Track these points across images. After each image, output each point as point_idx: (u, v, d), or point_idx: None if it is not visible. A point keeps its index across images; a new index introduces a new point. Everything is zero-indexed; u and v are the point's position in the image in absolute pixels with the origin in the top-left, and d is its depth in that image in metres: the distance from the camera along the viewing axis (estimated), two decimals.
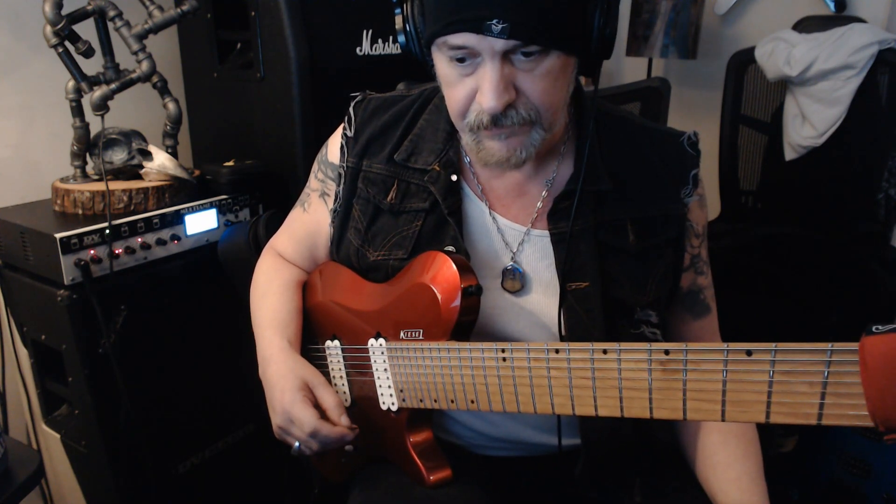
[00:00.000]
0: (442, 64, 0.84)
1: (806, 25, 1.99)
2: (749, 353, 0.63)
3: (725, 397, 0.65)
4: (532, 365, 0.77)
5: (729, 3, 2.43)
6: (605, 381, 0.73)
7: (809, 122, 1.93)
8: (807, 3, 2.22)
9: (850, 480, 1.60)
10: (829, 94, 1.88)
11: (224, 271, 1.39)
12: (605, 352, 0.72)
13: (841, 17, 2.09)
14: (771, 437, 1.89)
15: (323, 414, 0.91)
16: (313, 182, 1.10)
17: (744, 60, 2.08)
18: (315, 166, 1.10)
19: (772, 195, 2.12)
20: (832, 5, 2.16)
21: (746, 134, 2.14)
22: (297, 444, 0.92)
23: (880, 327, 0.56)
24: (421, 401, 0.90)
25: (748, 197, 2.16)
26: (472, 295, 0.85)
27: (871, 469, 1.57)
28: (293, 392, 0.90)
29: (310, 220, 1.09)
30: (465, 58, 0.80)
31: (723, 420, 0.66)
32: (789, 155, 2.01)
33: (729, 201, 2.17)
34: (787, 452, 1.84)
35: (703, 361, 0.66)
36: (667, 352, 0.68)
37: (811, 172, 2.00)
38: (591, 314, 0.89)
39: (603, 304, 0.90)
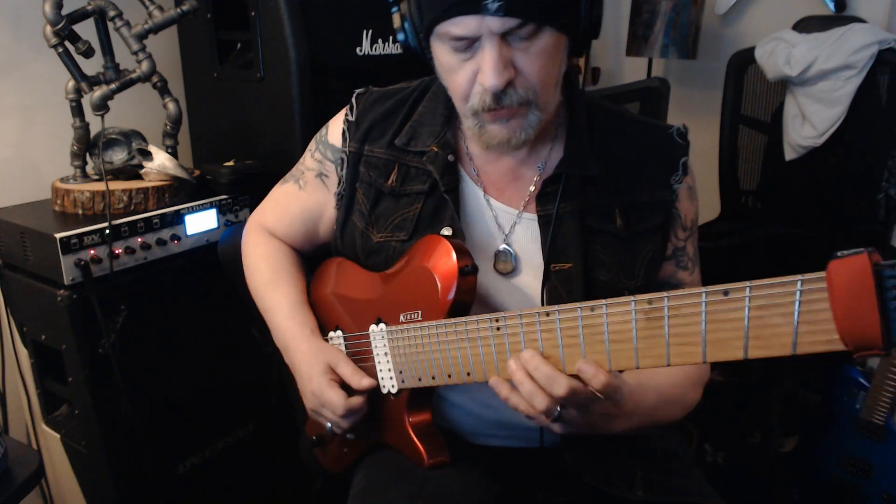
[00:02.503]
0: (442, 53, 0.88)
1: (806, 25, 1.99)
2: (726, 293, 0.66)
3: (706, 338, 0.68)
4: (524, 330, 0.80)
5: (729, 3, 2.43)
6: (592, 337, 0.75)
7: (809, 122, 1.93)
8: (807, 3, 2.22)
9: (850, 480, 1.60)
10: (829, 94, 1.88)
11: (224, 271, 1.39)
12: (592, 309, 0.75)
13: (841, 17, 2.09)
14: (771, 437, 1.89)
15: (347, 388, 0.96)
16: (308, 160, 1.11)
17: (744, 60, 2.08)
18: (312, 145, 1.12)
19: (772, 195, 2.12)
20: (832, 5, 2.17)
21: (746, 134, 2.14)
22: (329, 424, 0.98)
23: (844, 252, 0.59)
24: (419, 379, 0.92)
25: (748, 197, 2.16)
26: (469, 274, 0.87)
27: (871, 469, 1.57)
28: (319, 377, 0.96)
29: (307, 198, 1.11)
30: (463, 41, 0.83)
31: (704, 362, 0.69)
32: (789, 155, 2.01)
33: (729, 201, 2.17)
34: (787, 452, 1.84)
35: (683, 306, 0.69)
36: (650, 301, 0.71)
37: (811, 172, 2.00)
38: (573, 295, 0.92)
39: (585, 285, 0.93)
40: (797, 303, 0.62)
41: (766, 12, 2.40)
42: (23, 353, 1.47)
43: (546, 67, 0.86)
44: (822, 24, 1.95)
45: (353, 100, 1.07)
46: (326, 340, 1.04)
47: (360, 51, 1.61)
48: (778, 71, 1.93)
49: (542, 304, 0.93)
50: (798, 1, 2.24)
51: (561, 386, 0.75)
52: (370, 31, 1.62)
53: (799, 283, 0.61)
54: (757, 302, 0.64)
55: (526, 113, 0.87)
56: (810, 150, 1.96)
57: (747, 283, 0.64)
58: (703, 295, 0.67)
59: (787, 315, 0.62)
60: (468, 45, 0.84)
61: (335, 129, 1.08)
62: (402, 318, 0.93)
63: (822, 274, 0.60)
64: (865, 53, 1.82)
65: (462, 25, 0.81)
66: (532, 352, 0.78)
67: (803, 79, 1.90)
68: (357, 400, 0.94)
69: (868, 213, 1.92)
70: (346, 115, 1.07)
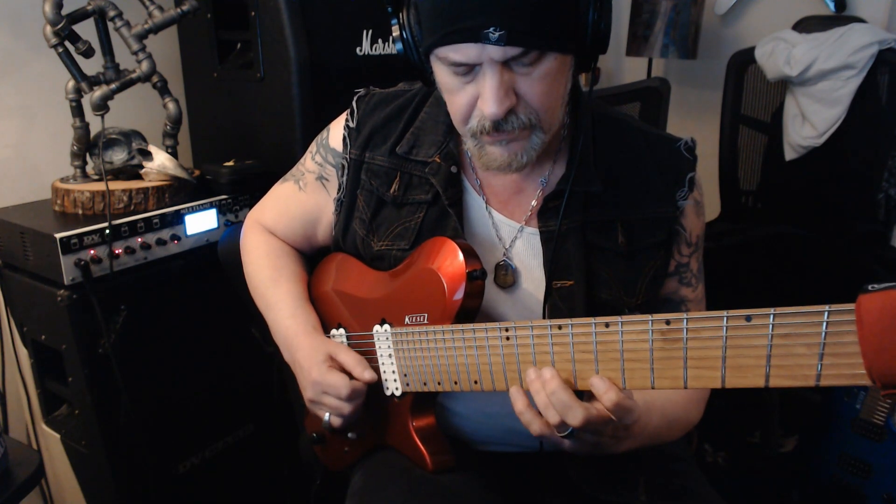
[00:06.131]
0: (442, 73, 0.85)
1: (806, 25, 1.99)
2: (748, 318, 0.64)
3: (725, 363, 0.66)
4: (535, 342, 0.79)
5: (729, 3, 2.43)
6: (606, 354, 0.74)
7: (809, 122, 1.93)
8: (807, 3, 2.22)
9: (850, 480, 1.60)
10: (829, 94, 1.88)
11: (224, 271, 1.40)
12: (606, 325, 0.73)
13: (841, 17, 2.09)
14: (771, 437, 1.89)
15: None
16: (309, 163, 1.10)
17: (744, 60, 2.08)
18: (313, 147, 1.10)
19: (772, 195, 2.12)
20: (832, 5, 2.17)
21: (746, 134, 2.14)
22: (326, 416, 0.95)
23: (876, 285, 0.57)
24: (424, 384, 0.91)
25: (748, 197, 2.16)
26: (477, 279, 0.86)
27: (871, 469, 1.57)
28: (319, 365, 0.94)
29: (307, 200, 1.10)
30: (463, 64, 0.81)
31: (723, 386, 0.67)
32: (789, 155, 2.01)
33: (729, 201, 2.17)
34: (787, 452, 1.84)
35: (703, 329, 0.67)
36: (668, 322, 0.69)
37: (811, 172, 2.00)
38: (574, 313, 0.90)
39: (587, 303, 0.91)
40: (823, 334, 0.60)
41: (766, 12, 2.40)
42: (23, 353, 1.47)
43: (550, 91, 0.83)
44: (822, 24, 1.95)
45: (354, 103, 1.05)
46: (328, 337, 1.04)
47: (360, 51, 1.61)
48: (778, 71, 1.93)
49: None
50: (798, 1, 2.24)
51: (577, 416, 0.74)
52: (370, 32, 1.62)
53: (826, 313, 0.60)
54: (781, 330, 0.62)
55: (528, 136, 0.85)
56: (810, 150, 1.96)
57: (771, 310, 0.63)
58: (725, 319, 0.65)
59: (813, 346, 0.61)
60: (468, 70, 0.81)
61: (336, 132, 1.06)
62: (407, 320, 0.92)
63: (851, 306, 0.58)
64: (865, 53, 1.82)
65: (462, 52, 0.79)
66: (553, 372, 0.76)
67: (803, 79, 1.90)
68: (360, 383, 0.93)
69: (868, 213, 1.92)
70: (347, 120, 1.05)
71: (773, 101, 2.09)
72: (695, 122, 2.55)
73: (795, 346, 0.62)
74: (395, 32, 0.89)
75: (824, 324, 0.60)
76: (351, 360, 0.94)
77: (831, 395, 1.65)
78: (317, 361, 0.95)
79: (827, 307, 0.60)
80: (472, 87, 0.82)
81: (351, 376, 0.93)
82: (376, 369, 0.96)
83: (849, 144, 1.92)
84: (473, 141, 0.87)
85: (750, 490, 1.88)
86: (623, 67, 2.75)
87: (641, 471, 0.97)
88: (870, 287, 0.57)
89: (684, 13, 2.28)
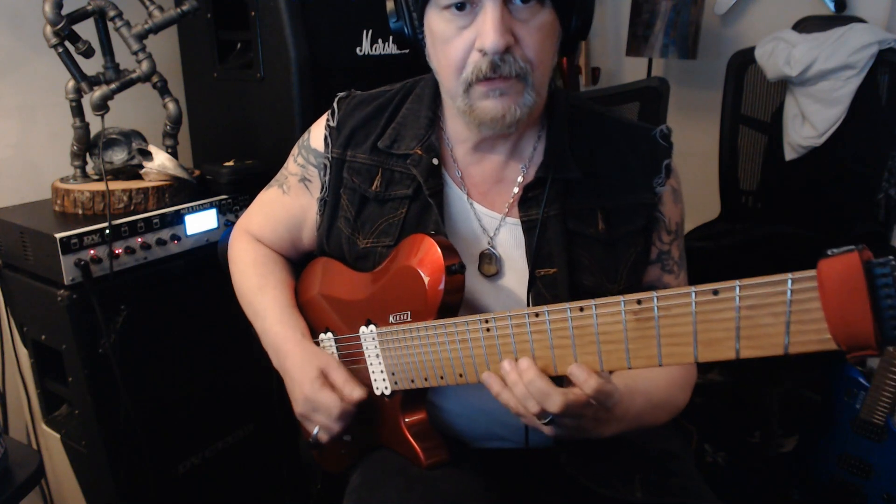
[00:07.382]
0: (438, 22, 0.87)
1: (806, 25, 1.99)
2: (715, 292, 0.65)
3: (697, 338, 0.67)
4: (514, 332, 0.80)
5: (729, 3, 2.43)
6: (583, 338, 0.75)
7: (809, 122, 1.93)
8: (807, 3, 2.22)
9: (850, 480, 1.60)
10: (829, 94, 1.88)
11: (224, 271, 1.40)
12: (581, 309, 0.74)
13: (841, 17, 2.09)
14: (771, 437, 1.89)
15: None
16: (292, 166, 1.11)
17: (744, 60, 2.08)
18: (295, 150, 1.11)
19: (772, 195, 2.12)
20: (832, 5, 2.17)
21: (746, 134, 2.14)
22: (315, 430, 0.97)
23: (835, 250, 0.58)
24: (412, 381, 0.92)
25: (748, 197, 2.16)
26: (456, 273, 0.87)
27: (871, 469, 1.57)
28: (312, 381, 0.95)
29: (291, 203, 1.11)
30: (464, 5, 0.83)
31: (696, 361, 0.68)
32: (789, 155, 2.01)
33: (729, 201, 2.17)
34: (786, 452, 1.84)
35: (673, 306, 0.68)
36: (639, 301, 0.70)
37: (811, 172, 2.00)
38: (558, 300, 0.91)
39: (570, 290, 0.92)
40: (788, 302, 0.61)
41: (766, 12, 2.40)
42: (23, 353, 1.47)
43: (544, 46, 0.85)
44: (822, 24, 1.95)
45: (335, 104, 1.06)
46: (317, 343, 1.04)
47: (360, 51, 1.61)
48: (778, 71, 1.93)
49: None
50: (798, 1, 2.24)
51: (555, 403, 0.75)
52: (370, 31, 1.62)
53: (789, 281, 0.60)
54: (747, 301, 0.63)
55: (521, 90, 0.86)
56: (810, 150, 1.96)
57: (737, 283, 0.63)
58: (693, 294, 0.66)
59: (779, 315, 0.61)
60: (469, 3, 0.83)
61: (317, 133, 1.07)
62: (391, 319, 0.93)
63: (813, 273, 0.59)
64: (865, 53, 1.82)
65: None
66: (529, 362, 0.78)
67: (803, 79, 1.90)
68: (350, 406, 0.94)
69: (868, 213, 1.92)
70: (328, 119, 1.06)
71: (773, 101, 2.09)
72: (695, 122, 2.55)
73: (762, 316, 0.63)
74: (390, 6, 0.92)
75: (788, 292, 0.60)
76: (341, 378, 0.95)
77: (831, 395, 1.65)
78: (309, 377, 0.95)
79: (790, 275, 0.60)
80: (470, 31, 0.84)
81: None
82: (365, 370, 0.97)
83: (849, 144, 1.92)
84: (465, 98, 0.88)
85: (750, 490, 1.88)
86: (623, 67, 2.75)
87: (638, 468, 0.97)
88: (829, 252, 0.58)
89: (684, 13, 2.28)
